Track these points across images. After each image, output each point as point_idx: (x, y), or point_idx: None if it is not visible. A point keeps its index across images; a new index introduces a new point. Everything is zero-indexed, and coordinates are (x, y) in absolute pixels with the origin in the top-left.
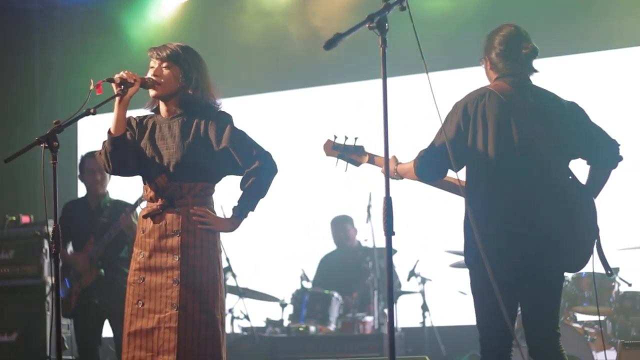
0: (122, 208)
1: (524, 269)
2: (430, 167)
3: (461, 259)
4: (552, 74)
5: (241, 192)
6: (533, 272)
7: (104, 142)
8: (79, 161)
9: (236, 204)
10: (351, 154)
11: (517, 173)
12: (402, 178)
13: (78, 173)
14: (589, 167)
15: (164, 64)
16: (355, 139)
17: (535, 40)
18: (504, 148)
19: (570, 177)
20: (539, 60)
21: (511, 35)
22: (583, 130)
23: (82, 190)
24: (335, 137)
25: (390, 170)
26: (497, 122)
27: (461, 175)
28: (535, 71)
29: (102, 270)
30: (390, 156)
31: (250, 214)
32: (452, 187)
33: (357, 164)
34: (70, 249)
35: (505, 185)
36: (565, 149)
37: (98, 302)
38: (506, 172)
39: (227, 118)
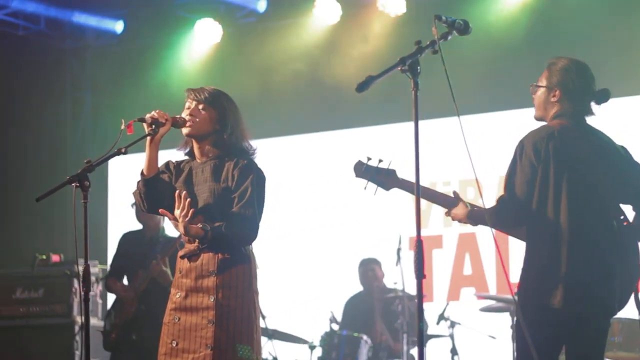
0: (174, 245)
1: (579, 318)
2: (511, 215)
3: (491, 303)
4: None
5: (223, 222)
6: (587, 319)
7: (138, 182)
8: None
9: (213, 225)
10: (382, 177)
11: (584, 219)
12: (475, 224)
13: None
14: (634, 212)
15: (201, 106)
16: (390, 162)
17: None
18: (573, 192)
19: (623, 221)
20: None
21: (584, 73)
22: (633, 175)
23: (112, 230)
24: (369, 158)
25: (460, 215)
26: (566, 165)
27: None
28: (593, 114)
29: (143, 307)
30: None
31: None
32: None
33: (387, 188)
34: (125, 281)
35: (573, 234)
36: (619, 193)
37: (135, 337)
38: (574, 219)
39: (252, 170)
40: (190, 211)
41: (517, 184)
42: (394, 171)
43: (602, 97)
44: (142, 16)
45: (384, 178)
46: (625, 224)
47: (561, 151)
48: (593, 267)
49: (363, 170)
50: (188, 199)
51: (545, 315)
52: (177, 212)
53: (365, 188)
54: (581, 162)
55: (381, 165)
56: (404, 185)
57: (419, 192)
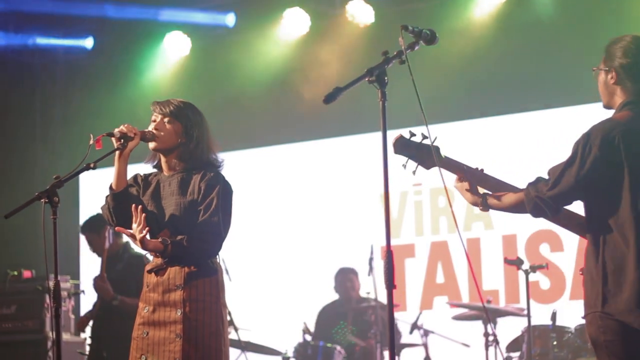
0: (138, 261)
1: None
2: (547, 209)
3: (464, 311)
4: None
5: (185, 235)
6: None
7: (107, 197)
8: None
9: (174, 239)
10: (424, 154)
11: None
12: (488, 209)
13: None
14: None
15: (166, 119)
16: (435, 138)
17: (546, 90)
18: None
19: None
20: (555, 110)
21: None
22: None
23: (84, 246)
24: (413, 134)
25: (476, 198)
26: (636, 164)
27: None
28: None
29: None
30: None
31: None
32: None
33: (428, 166)
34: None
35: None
36: None
37: (107, 355)
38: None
39: (218, 182)
40: (146, 229)
41: (567, 176)
42: (437, 148)
43: None
44: (112, 31)
45: (425, 155)
46: None
47: (631, 148)
48: None
49: (403, 145)
50: (144, 214)
51: (623, 334)
52: (134, 226)
53: (404, 166)
54: None
55: (424, 142)
56: (448, 164)
57: (388, 200)
